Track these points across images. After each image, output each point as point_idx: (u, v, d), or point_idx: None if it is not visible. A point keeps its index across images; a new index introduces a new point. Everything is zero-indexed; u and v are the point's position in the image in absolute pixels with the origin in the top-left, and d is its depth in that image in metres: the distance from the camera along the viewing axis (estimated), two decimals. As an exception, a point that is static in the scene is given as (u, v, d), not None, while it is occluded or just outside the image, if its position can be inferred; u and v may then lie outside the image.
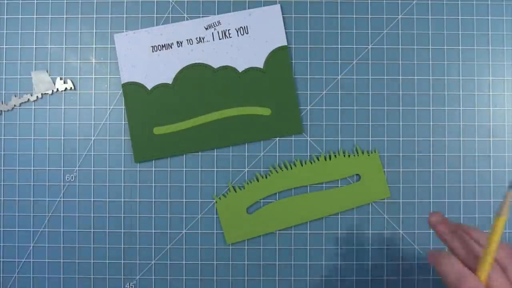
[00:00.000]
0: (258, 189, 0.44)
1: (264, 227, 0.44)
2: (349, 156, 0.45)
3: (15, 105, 0.45)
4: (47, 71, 0.45)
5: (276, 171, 0.45)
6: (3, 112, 0.45)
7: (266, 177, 0.44)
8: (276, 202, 0.44)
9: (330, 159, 0.45)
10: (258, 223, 0.44)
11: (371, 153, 0.45)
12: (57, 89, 0.45)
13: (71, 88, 0.45)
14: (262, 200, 0.45)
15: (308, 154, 0.45)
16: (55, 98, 0.45)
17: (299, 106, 0.45)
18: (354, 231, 0.45)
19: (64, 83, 0.45)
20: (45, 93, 0.45)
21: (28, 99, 0.45)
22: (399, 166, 0.45)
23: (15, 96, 0.45)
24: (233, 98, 0.45)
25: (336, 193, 0.44)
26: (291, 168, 0.45)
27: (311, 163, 0.45)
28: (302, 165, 0.45)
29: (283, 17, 0.45)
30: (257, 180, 0.44)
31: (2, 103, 0.45)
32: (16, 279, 0.45)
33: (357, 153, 0.45)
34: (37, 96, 0.45)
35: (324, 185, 0.45)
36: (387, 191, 0.44)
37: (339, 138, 0.45)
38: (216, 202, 0.44)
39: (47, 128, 0.45)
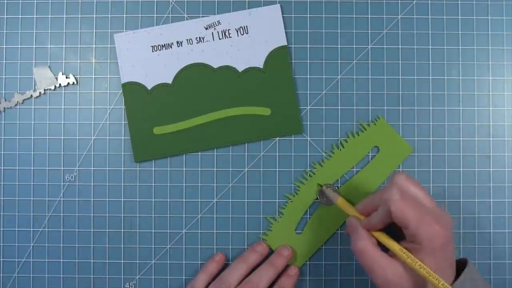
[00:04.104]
0: (295, 209, 0.44)
1: (315, 241, 0.44)
2: (357, 134, 0.45)
3: (18, 102, 0.45)
4: (49, 67, 0.45)
5: (303, 183, 0.44)
6: (2, 113, 0.45)
7: (297, 194, 0.44)
8: (316, 211, 0.44)
9: (343, 147, 0.44)
10: (309, 238, 0.44)
11: (376, 121, 0.44)
12: (60, 84, 0.45)
13: (73, 83, 0.45)
14: (302, 217, 0.44)
15: (308, 154, 0.45)
16: (56, 97, 0.45)
17: (299, 106, 0.45)
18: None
19: (67, 78, 0.45)
20: (47, 89, 0.45)
21: (31, 95, 0.45)
22: (399, 166, 0.45)
23: (18, 93, 0.45)
24: (233, 98, 0.45)
25: (364, 175, 0.44)
26: (314, 174, 0.44)
27: (328, 159, 0.44)
28: (321, 166, 0.44)
29: (283, 17, 0.45)
30: (290, 200, 0.44)
31: (5, 100, 0.45)
32: (16, 279, 0.45)
33: (364, 128, 0.44)
34: (39, 92, 0.45)
35: (349, 173, 0.45)
36: (408, 148, 0.44)
37: (339, 138, 0.45)
38: (264, 239, 0.44)
39: (47, 128, 0.45)
